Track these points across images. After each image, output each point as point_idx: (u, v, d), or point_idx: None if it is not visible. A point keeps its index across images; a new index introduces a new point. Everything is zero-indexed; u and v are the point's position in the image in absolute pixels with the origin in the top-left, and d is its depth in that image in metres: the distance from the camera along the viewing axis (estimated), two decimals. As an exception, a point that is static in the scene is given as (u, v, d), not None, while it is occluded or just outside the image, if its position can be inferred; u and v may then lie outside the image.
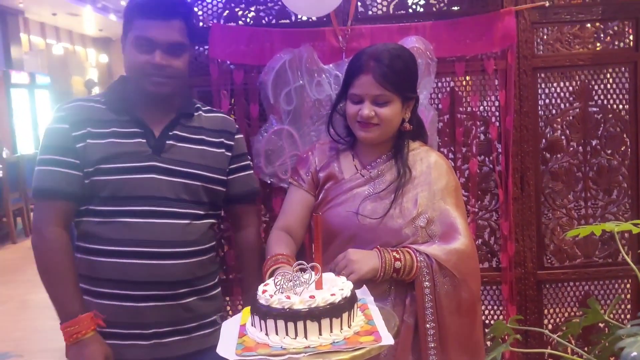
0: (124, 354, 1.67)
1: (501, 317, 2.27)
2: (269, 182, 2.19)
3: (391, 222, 1.61)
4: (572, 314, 2.30)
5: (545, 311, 2.31)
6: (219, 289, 1.87)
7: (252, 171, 1.90)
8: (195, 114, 1.78)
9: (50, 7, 10.88)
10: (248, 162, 1.89)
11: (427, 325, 1.56)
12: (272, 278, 1.20)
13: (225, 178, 1.79)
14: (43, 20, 12.38)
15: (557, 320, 2.32)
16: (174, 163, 1.69)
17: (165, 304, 1.67)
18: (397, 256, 1.55)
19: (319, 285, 1.20)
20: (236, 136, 1.84)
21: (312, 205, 1.74)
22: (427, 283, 1.56)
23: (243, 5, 2.23)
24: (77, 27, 15.31)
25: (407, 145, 1.68)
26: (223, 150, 1.79)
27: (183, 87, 1.78)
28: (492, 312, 2.31)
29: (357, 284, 1.44)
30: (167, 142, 1.70)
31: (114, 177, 1.63)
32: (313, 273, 1.20)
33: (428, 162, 1.68)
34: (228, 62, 2.18)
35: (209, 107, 1.87)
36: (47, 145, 1.66)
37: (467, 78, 2.25)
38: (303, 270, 1.19)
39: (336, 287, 1.20)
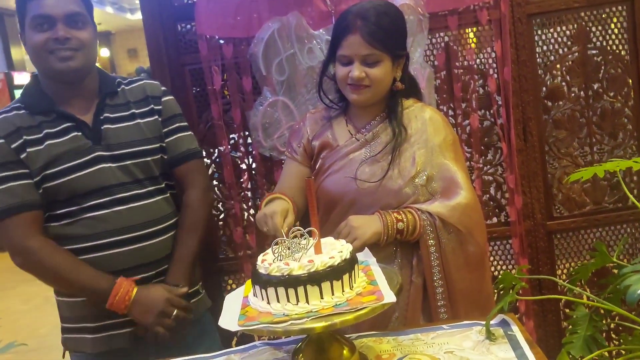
0: (113, 342, 1.67)
1: (513, 271, 2.24)
2: (268, 155, 2.17)
3: (390, 183, 1.58)
4: (585, 262, 2.27)
5: (558, 262, 2.29)
6: (198, 286, 1.86)
7: (189, 132, 1.83)
8: (119, 89, 1.74)
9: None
10: (182, 123, 1.82)
11: (435, 284, 1.55)
12: (270, 248, 1.19)
13: (164, 144, 1.76)
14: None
15: (571, 270, 2.29)
16: (116, 147, 1.66)
17: (151, 284, 1.67)
18: (399, 217, 1.53)
19: (317, 249, 1.19)
20: (163, 99, 1.78)
21: (306, 175, 1.70)
22: (431, 241, 1.54)
23: (227, -23, 2.18)
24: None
25: (400, 103, 1.64)
26: (156, 117, 1.75)
27: (93, 64, 1.72)
28: (503, 267, 2.30)
29: (360, 249, 1.43)
30: (102, 127, 1.66)
31: (64, 179, 1.60)
32: (311, 238, 1.18)
33: (423, 119, 1.64)
34: (217, 37, 2.15)
35: (129, 79, 1.81)
36: None
37: (462, 31, 2.20)
38: (301, 236, 1.18)
39: (335, 250, 1.19)
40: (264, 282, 1.14)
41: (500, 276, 1.34)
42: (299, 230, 1.19)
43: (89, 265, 1.62)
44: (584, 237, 2.29)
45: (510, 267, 2.28)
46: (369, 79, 1.55)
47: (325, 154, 1.68)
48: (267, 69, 2.11)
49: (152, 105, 1.75)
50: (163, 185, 1.75)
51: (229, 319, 1.15)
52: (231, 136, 2.22)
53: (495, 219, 2.25)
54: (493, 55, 2.17)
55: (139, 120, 1.71)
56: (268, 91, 2.14)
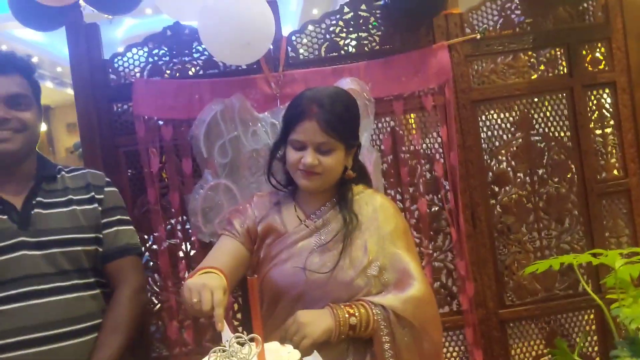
0: None
1: (468, 367, 2.14)
2: (208, 242, 2.03)
3: (342, 274, 1.48)
4: (540, 351, 2.20)
5: (512, 351, 2.20)
6: None
7: (130, 226, 1.75)
8: (58, 175, 1.66)
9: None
10: (124, 216, 1.74)
11: None
12: (207, 356, 1.04)
13: (100, 235, 1.65)
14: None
15: (525, 359, 2.21)
16: (45, 233, 1.55)
17: None
18: (352, 311, 1.42)
19: (261, 358, 1.05)
20: (106, 189, 1.72)
21: (244, 258, 1.56)
22: (385, 337, 1.43)
23: (167, 58, 2.11)
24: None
25: (350, 190, 1.58)
26: (95, 205, 1.66)
27: (34, 149, 1.65)
28: (457, 359, 2.19)
29: (310, 349, 1.30)
30: (32, 212, 1.56)
31: None
32: (253, 346, 1.04)
33: (374, 206, 1.58)
34: (155, 118, 2.05)
35: (72, 167, 1.75)
36: None
37: (407, 116, 2.18)
38: (241, 344, 1.04)
39: (281, 358, 1.06)
40: (200, 398, 0.99)
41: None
42: (241, 336, 1.05)
43: None
44: (537, 325, 2.22)
45: (465, 359, 2.17)
46: (321, 166, 1.48)
47: (272, 241, 1.56)
48: (209, 151, 2.02)
49: (94, 194, 1.66)
50: (92, 280, 1.60)
51: None
52: (168, 222, 2.08)
53: (447, 308, 2.16)
54: (439, 140, 2.15)
55: (75, 207, 1.61)
56: (209, 174, 2.03)
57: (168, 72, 2.12)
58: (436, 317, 1.55)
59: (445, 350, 2.17)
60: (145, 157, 2.02)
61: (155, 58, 2.11)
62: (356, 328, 1.42)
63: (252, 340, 1.04)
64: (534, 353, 2.20)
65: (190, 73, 2.12)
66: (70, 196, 1.63)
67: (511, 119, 2.22)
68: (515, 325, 2.20)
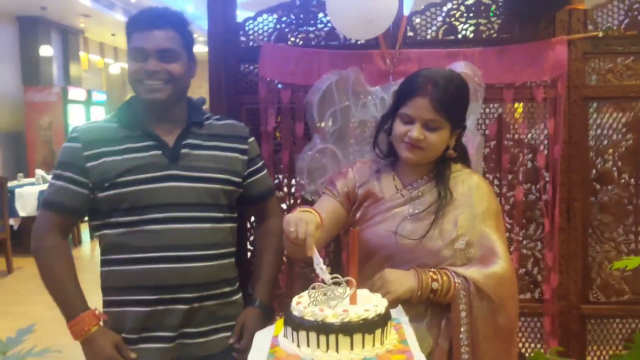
0: (147, 355, 1.71)
1: (542, 351, 2.20)
2: (310, 199, 2.20)
3: (430, 243, 1.59)
4: (618, 351, 2.21)
5: (589, 347, 2.23)
6: (240, 294, 1.90)
7: (266, 170, 1.97)
8: (206, 122, 1.84)
9: (109, 28, 11.27)
10: (262, 162, 1.95)
11: (462, 350, 1.52)
12: (307, 291, 1.20)
13: (240, 180, 1.84)
14: (102, 40, 12.84)
15: (601, 358, 2.23)
16: (191, 169, 1.74)
17: (190, 306, 1.72)
18: (435, 277, 1.53)
19: (353, 300, 1.20)
20: (249, 140, 1.90)
21: (340, 217, 1.71)
22: (463, 306, 1.53)
23: (293, 26, 2.27)
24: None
25: (449, 167, 1.67)
26: (237, 155, 1.84)
27: (184, 96, 1.82)
28: (532, 345, 2.25)
29: (393, 304, 1.43)
30: (182, 150, 1.76)
31: (133, 188, 1.69)
32: (348, 287, 1.19)
33: (469, 185, 1.66)
34: (276, 81, 2.23)
35: (219, 116, 1.93)
36: (60, 161, 1.75)
37: (516, 105, 2.22)
38: (338, 284, 1.19)
39: (370, 303, 1.20)
40: (297, 325, 1.16)
41: (531, 355, 1.32)
42: (337, 278, 1.20)
43: (133, 278, 1.70)
44: (619, 326, 2.23)
45: (539, 346, 2.22)
46: (426, 142, 1.57)
47: (369, 204, 1.69)
48: (321, 117, 2.17)
49: (238, 144, 1.86)
50: (226, 215, 1.81)
51: (258, 356, 1.16)
52: (276, 176, 2.27)
53: (528, 295, 2.22)
54: (545, 132, 2.18)
55: (218, 153, 1.81)
56: (318, 138, 2.19)
57: (292, 39, 2.28)
58: (515, 296, 1.62)
59: (521, 334, 2.23)
60: (264, 116, 2.20)
61: (283, 25, 2.27)
62: (437, 292, 1.52)
63: (347, 282, 1.20)
64: (610, 352, 2.22)
65: (312, 43, 2.27)
66: (216, 142, 1.81)
67: (623, 120, 2.20)
68: (595, 322, 2.22)
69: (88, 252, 7.89)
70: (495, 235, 1.60)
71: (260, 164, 1.93)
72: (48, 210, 1.74)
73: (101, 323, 1.73)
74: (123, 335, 1.73)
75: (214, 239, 1.76)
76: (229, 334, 1.81)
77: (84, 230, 8.35)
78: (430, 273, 1.54)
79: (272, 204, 1.98)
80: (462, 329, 1.52)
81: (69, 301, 1.71)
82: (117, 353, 1.67)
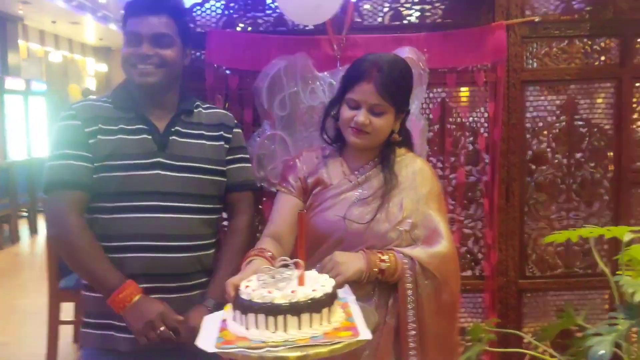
0: (122, 344, 1.71)
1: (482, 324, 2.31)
2: (259, 186, 2.23)
3: (377, 227, 1.65)
4: (551, 322, 2.34)
5: (526, 320, 2.35)
6: None
7: (249, 164, 1.95)
8: (195, 110, 1.85)
9: (50, 15, 10.89)
10: (245, 155, 1.94)
11: (409, 327, 1.59)
12: (256, 275, 1.24)
13: (224, 169, 1.85)
14: (43, 28, 12.40)
15: (537, 329, 2.36)
16: (177, 158, 1.76)
17: (170, 296, 1.72)
18: (383, 257, 1.59)
19: (301, 281, 1.25)
20: (234, 130, 1.91)
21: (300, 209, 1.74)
22: (409, 284, 1.60)
23: (241, 12, 2.28)
24: (77, 36, 15.32)
25: (393, 152, 1.72)
26: (222, 143, 1.86)
27: (176, 82, 1.83)
28: (473, 320, 2.35)
29: (342, 285, 1.48)
30: (170, 137, 1.77)
31: (120, 173, 1.70)
32: (296, 269, 1.24)
33: (413, 168, 1.72)
34: (224, 67, 2.23)
35: (208, 105, 1.94)
36: (60, 141, 1.72)
37: (463, 91, 2.30)
38: (286, 266, 1.24)
39: (318, 283, 1.25)
40: (245, 307, 1.20)
41: (470, 327, 1.40)
42: (285, 260, 1.25)
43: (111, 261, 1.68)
44: (552, 298, 2.37)
45: (479, 319, 2.34)
46: (371, 126, 1.62)
47: (317, 191, 1.73)
48: (269, 103, 2.19)
49: (222, 132, 1.86)
50: (210, 206, 1.82)
51: (207, 340, 1.20)
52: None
53: (469, 272, 2.33)
54: (485, 115, 2.27)
55: (204, 142, 1.82)
56: (267, 124, 2.21)
57: (240, 25, 2.28)
58: (456, 273, 1.71)
59: (463, 310, 2.34)
60: (212, 103, 2.20)
61: (231, 11, 2.27)
62: (385, 272, 1.58)
63: (295, 264, 1.25)
64: (546, 324, 2.35)
65: (261, 29, 2.28)
66: (203, 131, 1.82)
67: (557, 102, 2.31)
68: (531, 295, 2.35)
69: (27, 248, 7.70)
70: (438, 216, 1.68)
71: (240, 155, 1.91)
72: (60, 191, 1.69)
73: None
74: (112, 321, 1.70)
75: (197, 230, 1.77)
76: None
77: (23, 226, 8.11)
78: (378, 254, 1.59)
79: (244, 198, 1.91)
80: (408, 307, 1.59)
81: (106, 276, 1.66)
82: (159, 323, 1.63)
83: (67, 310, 3.58)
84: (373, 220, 1.65)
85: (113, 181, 1.70)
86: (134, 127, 1.75)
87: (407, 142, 1.80)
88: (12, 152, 10.05)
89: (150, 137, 1.75)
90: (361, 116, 1.61)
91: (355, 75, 1.63)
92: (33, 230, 7.96)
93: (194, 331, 1.43)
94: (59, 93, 12.75)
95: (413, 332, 1.60)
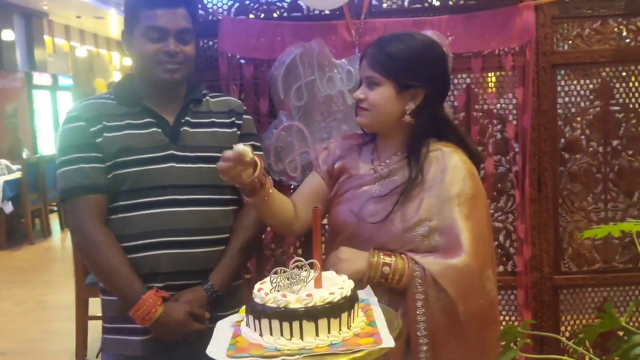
0: (141, 348, 1.65)
1: (515, 323, 2.19)
2: (278, 179, 2.14)
3: (390, 226, 1.50)
4: (590, 321, 2.21)
5: (563, 318, 2.23)
6: (241, 280, 1.86)
7: (261, 152, 1.85)
8: (203, 99, 1.78)
9: (75, 10, 10.97)
10: (257, 143, 1.85)
11: (420, 341, 1.43)
12: (269, 277, 1.15)
13: None
14: (68, 23, 12.50)
15: (575, 327, 2.23)
16: (190, 149, 1.69)
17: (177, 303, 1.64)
18: (388, 261, 1.44)
19: (317, 283, 1.15)
20: (244, 116, 1.82)
21: (323, 193, 1.66)
22: (420, 295, 1.43)
23: (254, -2, 2.19)
24: (102, 30, 15.45)
25: (426, 144, 1.54)
26: (234, 130, 1.78)
27: (191, 75, 1.78)
28: (506, 318, 2.24)
29: (359, 285, 1.37)
30: (181, 129, 1.70)
31: (134, 169, 1.63)
32: (312, 270, 1.14)
33: (444, 165, 1.51)
34: (237, 56, 2.14)
35: (215, 93, 1.86)
36: (67, 145, 1.65)
37: (484, 75, 2.18)
38: (301, 267, 1.14)
39: (336, 285, 1.15)
40: (258, 312, 1.10)
41: (503, 328, 1.28)
42: (300, 261, 1.15)
43: (133, 266, 1.61)
44: (591, 295, 2.23)
45: (513, 318, 2.22)
46: (367, 102, 1.52)
47: (342, 180, 1.63)
48: (286, 93, 2.10)
49: (234, 119, 1.79)
50: (228, 197, 1.74)
51: (218, 347, 1.10)
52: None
53: (501, 268, 2.20)
54: (514, 101, 2.15)
55: (217, 129, 1.75)
56: (284, 115, 2.12)
57: (254, 12, 2.19)
58: (474, 289, 1.47)
59: (495, 307, 2.22)
60: (226, 93, 2.11)
61: (243, -3, 2.18)
62: (388, 277, 1.43)
63: (311, 265, 1.14)
64: (584, 321, 2.22)
65: (274, 15, 2.18)
66: (214, 119, 1.75)
67: (591, 86, 2.18)
68: (568, 292, 2.22)
69: (59, 242, 7.73)
70: (465, 223, 1.46)
71: (251, 142, 1.76)
72: (77, 197, 1.62)
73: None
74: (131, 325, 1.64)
75: (216, 223, 1.69)
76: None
77: (54, 220, 8.16)
78: (385, 257, 1.45)
79: None
80: (418, 319, 1.43)
81: (126, 288, 1.59)
82: (190, 323, 1.58)
83: (97, 305, 3.58)
84: (387, 218, 1.50)
85: (126, 178, 1.63)
86: (141, 121, 1.68)
87: (446, 132, 1.58)
88: (41, 146, 10.14)
89: (160, 130, 1.68)
90: (358, 91, 1.54)
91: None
92: (64, 224, 7.93)
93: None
94: (86, 87, 12.87)
95: (425, 348, 1.43)
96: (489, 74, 2.20)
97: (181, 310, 1.58)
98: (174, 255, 1.63)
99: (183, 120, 1.71)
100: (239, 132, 1.79)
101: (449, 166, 1.50)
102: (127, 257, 1.62)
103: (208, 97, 1.80)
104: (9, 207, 6.99)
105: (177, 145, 1.68)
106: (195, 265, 1.65)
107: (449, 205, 1.47)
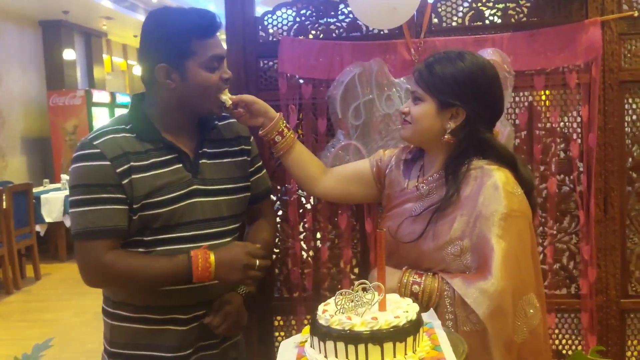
0: None
1: (579, 347, 2.11)
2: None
3: (423, 245, 1.52)
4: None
5: (629, 342, 2.14)
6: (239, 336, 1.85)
7: (264, 169, 1.91)
8: (214, 128, 1.76)
9: (132, 30, 11.30)
10: (260, 162, 1.89)
11: None
12: (333, 298, 1.14)
13: (249, 183, 1.81)
14: (125, 42, 12.89)
15: (644, 354, 2.14)
16: (210, 182, 1.68)
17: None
18: (418, 280, 1.47)
19: (382, 306, 1.14)
20: (250, 139, 1.85)
21: (364, 177, 1.79)
22: (449, 315, 1.42)
23: (313, 19, 2.20)
24: (157, 49, 15.87)
25: (466, 162, 1.54)
26: (245, 157, 1.80)
27: None
28: (569, 342, 2.16)
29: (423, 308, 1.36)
30: (200, 161, 1.68)
31: (161, 210, 1.58)
32: (376, 293, 1.13)
33: (481, 183, 1.49)
34: (297, 76, 2.16)
35: (221, 116, 1.81)
36: (90, 183, 1.54)
37: (547, 92, 2.13)
38: (365, 290, 1.13)
39: (401, 309, 1.14)
40: (323, 334, 1.10)
41: (570, 354, 1.24)
42: (365, 283, 1.14)
43: (155, 299, 1.63)
44: (660, 320, 2.13)
45: (577, 342, 2.14)
46: (410, 115, 1.57)
47: (389, 193, 1.68)
48: (344, 112, 2.10)
49: (243, 146, 1.80)
50: (238, 225, 1.77)
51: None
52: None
53: (564, 290, 2.13)
54: (578, 119, 2.09)
55: (230, 159, 1.76)
56: (342, 134, 2.12)
57: (313, 32, 2.20)
58: (504, 312, 1.41)
59: (557, 331, 2.15)
60: (285, 113, 2.13)
61: (303, 18, 2.20)
62: (418, 296, 1.45)
63: (375, 288, 1.14)
64: (654, 348, 2.12)
65: (333, 35, 2.19)
66: (226, 148, 1.75)
67: (661, 104, 2.10)
68: (635, 316, 2.13)
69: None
70: (496, 244, 1.42)
71: (259, 164, 1.87)
72: (97, 240, 1.54)
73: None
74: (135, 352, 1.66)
75: None
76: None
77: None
78: (415, 276, 1.47)
79: (266, 206, 1.90)
80: None
81: (170, 266, 1.55)
82: (251, 257, 1.57)
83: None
84: (420, 238, 1.52)
85: (157, 219, 1.59)
86: (164, 158, 1.62)
87: (488, 151, 1.56)
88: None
89: (181, 165, 1.64)
90: (404, 104, 1.60)
91: None
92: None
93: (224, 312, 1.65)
94: (142, 104, 13.18)
95: None
96: (552, 92, 2.15)
97: (234, 246, 1.61)
98: (193, 289, 1.62)
99: (201, 152, 1.69)
100: (249, 159, 1.81)
101: (486, 184, 1.48)
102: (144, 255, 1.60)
103: (217, 122, 1.77)
104: (69, 222, 7.21)
105: (198, 178, 1.66)
106: (210, 295, 1.67)
107: (483, 224, 1.45)
